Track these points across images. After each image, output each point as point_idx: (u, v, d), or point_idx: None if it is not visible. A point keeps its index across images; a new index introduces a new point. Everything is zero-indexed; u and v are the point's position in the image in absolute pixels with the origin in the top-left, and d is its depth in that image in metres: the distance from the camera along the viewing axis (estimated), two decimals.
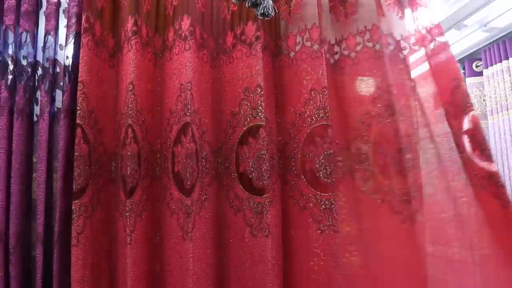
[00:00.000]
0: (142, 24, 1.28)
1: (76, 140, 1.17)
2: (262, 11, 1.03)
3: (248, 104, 1.21)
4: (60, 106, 1.28)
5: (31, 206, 1.29)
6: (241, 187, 1.20)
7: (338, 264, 1.16)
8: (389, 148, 1.23)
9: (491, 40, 2.47)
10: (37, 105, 1.34)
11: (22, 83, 1.31)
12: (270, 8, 1.04)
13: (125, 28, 1.28)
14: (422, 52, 1.31)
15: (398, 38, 1.29)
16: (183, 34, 1.26)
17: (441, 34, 1.26)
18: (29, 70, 1.33)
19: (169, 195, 1.23)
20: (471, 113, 1.23)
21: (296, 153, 1.24)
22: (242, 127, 1.22)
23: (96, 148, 1.23)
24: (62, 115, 1.24)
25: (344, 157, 1.28)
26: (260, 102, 1.19)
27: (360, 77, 1.30)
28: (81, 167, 1.17)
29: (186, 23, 1.27)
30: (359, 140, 1.29)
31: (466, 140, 1.23)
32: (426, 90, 1.30)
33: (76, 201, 1.15)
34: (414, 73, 1.31)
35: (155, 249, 1.24)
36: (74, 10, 1.30)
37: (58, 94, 1.32)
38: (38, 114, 1.32)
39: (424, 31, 1.30)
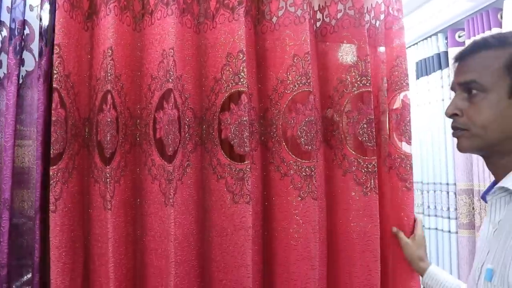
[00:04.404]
0: None
1: (53, 105, 1.15)
2: None
3: (230, 70, 1.20)
4: (31, 69, 1.24)
5: None
6: (223, 153, 1.20)
7: (316, 231, 1.19)
8: (360, 118, 1.25)
9: (475, 10, 2.46)
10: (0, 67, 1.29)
11: None
12: None
13: None
14: (378, 25, 1.34)
15: (364, 10, 1.29)
16: None
17: (399, 9, 1.29)
18: None
19: (150, 161, 1.24)
20: (404, 92, 1.26)
21: (277, 120, 1.25)
22: (224, 93, 1.21)
23: (72, 113, 1.22)
24: (41, 80, 1.21)
25: (320, 124, 1.30)
26: (242, 68, 1.18)
27: (340, 45, 1.30)
28: (58, 132, 1.16)
29: None
30: (332, 108, 1.30)
31: (390, 118, 1.28)
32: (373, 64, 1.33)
33: (53, 167, 1.15)
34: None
35: (136, 214, 1.26)
36: None
37: (27, 56, 1.27)
38: (1, 76, 1.27)
39: (382, 5, 1.32)
